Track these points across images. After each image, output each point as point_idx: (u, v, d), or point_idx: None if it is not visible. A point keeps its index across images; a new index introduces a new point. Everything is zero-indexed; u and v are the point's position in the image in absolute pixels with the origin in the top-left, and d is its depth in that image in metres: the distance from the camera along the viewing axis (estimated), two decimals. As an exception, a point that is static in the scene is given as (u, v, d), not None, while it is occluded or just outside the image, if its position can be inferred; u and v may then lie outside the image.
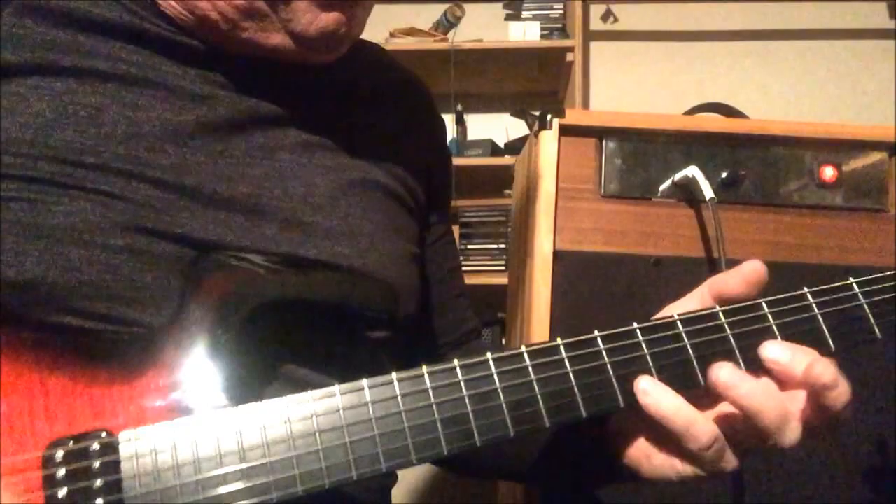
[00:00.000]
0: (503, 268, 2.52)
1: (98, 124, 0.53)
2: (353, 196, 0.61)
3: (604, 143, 0.94)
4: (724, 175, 0.93)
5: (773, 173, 0.95)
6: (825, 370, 0.46)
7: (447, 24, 2.56)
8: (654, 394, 0.48)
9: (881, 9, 2.77)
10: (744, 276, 0.51)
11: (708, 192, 0.88)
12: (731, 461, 0.49)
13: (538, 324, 0.91)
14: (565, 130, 0.93)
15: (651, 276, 0.92)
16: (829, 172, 0.95)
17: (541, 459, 0.64)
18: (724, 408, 0.50)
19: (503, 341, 2.11)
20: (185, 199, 0.54)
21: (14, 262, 0.48)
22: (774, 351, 0.48)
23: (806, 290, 0.51)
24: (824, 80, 2.75)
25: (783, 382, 0.48)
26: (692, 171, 0.90)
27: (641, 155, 0.94)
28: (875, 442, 0.90)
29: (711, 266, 0.92)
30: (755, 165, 0.95)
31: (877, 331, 0.50)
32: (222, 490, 0.43)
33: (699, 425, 0.47)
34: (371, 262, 0.60)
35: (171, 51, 0.56)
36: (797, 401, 0.48)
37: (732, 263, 0.91)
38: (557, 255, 0.91)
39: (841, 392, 0.46)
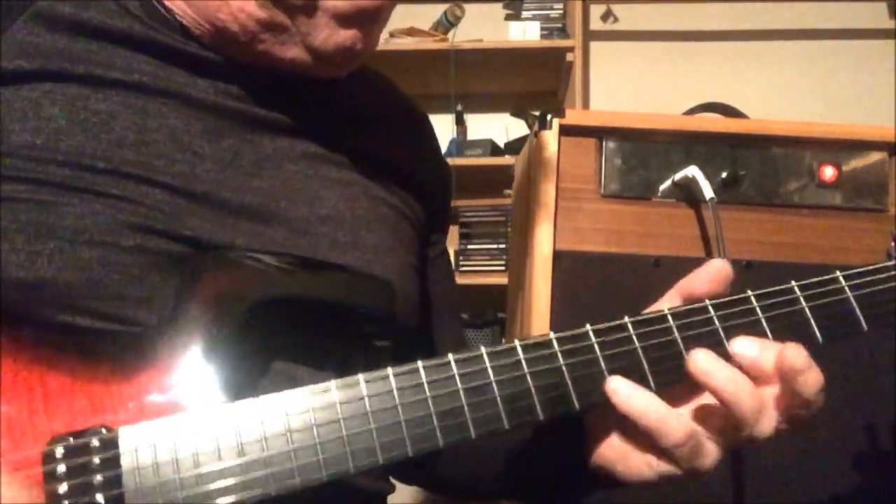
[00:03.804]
0: (503, 268, 2.52)
1: (109, 130, 0.53)
2: (358, 209, 0.62)
3: (604, 143, 0.94)
4: (724, 175, 0.93)
5: (772, 173, 0.95)
6: (797, 355, 0.47)
7: (447, 24, 2.56)
8: (623, 392, 0.48)
9: (881, 9, 2.77)
10: (709, 275, 0.52)
11: (708, 192, 0.88)
12: (707, 457, 0.49)
13: (538, 324, 0.91)
14: (565, 130, 0.93)
15: (651, 276, 0.92)
16: (828, 172, 0.95)
17: (513, 472, 0.63)
18: (700, 401, 0.51)
19: (503, 341, 2.11)
20: (194, 204, 0.54)
21: (25, 263, 0.49)
22: (743, 345, 0.49)
23: (794, 283, 0.52)
24: (824, 80, 2.75)
25: (755, 378, 0.49)
26: (692, 171, 0.90)
27: (641, 155, 0.94)
28: (872, 437, 0.90)
29: (711, 266, 0.92)
30: (755, 165, 0.95)
31: (863, 323, 0.51)
32: (221, 484, 0.44)
33: (672, 421, 0.47)
34: (375, 273, 0.60)
35: (183, 61, 0.57)
36: (771, 390, 0.49)
37: (732, 263, 0.91)
38: (557, 255, 0.91)
39: (813, 376, 0.47)
